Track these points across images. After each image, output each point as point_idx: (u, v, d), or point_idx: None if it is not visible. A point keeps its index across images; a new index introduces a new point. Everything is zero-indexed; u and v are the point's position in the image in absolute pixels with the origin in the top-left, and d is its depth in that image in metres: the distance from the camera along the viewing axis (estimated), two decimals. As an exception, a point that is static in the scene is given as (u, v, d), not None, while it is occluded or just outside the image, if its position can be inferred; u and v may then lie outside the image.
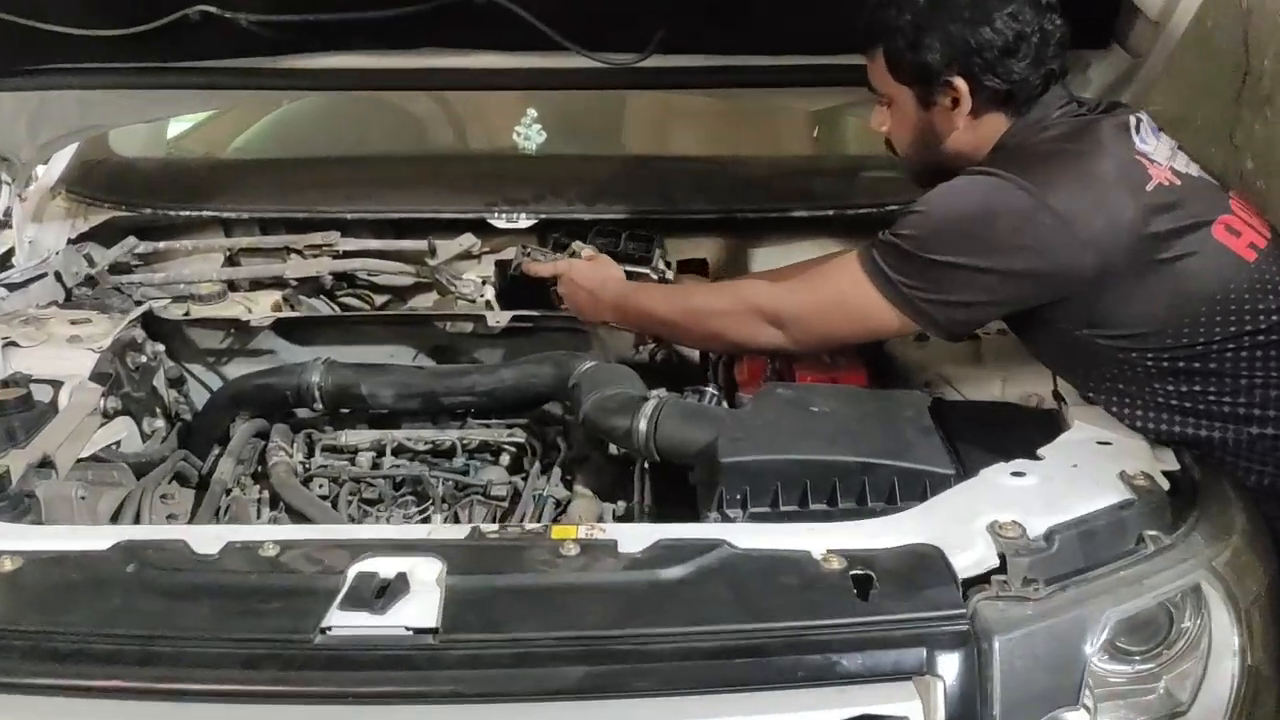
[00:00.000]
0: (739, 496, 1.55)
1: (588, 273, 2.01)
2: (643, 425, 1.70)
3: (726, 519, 1.54)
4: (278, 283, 2.41)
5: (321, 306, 2.43)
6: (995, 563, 1.31)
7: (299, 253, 2.43)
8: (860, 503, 1.54)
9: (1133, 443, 1.60)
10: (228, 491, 1.90)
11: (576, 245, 2.11)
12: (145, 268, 2.46)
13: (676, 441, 1.68)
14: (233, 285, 2.40)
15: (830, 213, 2.40)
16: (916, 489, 1.53)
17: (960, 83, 1.65)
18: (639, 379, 1.88)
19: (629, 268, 2.09)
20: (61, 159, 2.56)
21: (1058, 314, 1.61)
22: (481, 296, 2.33)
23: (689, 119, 2.87)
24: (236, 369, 2.25)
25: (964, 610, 1.26)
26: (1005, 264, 1.58)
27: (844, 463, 1.55)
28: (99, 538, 1.40)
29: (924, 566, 1.32)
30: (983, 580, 1.30)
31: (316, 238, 2.39)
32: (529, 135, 2.60)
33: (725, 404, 1.84)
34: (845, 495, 1.54)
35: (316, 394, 2.03)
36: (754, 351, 1.90)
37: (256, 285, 2.43)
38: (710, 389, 1.77)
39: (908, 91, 1.72)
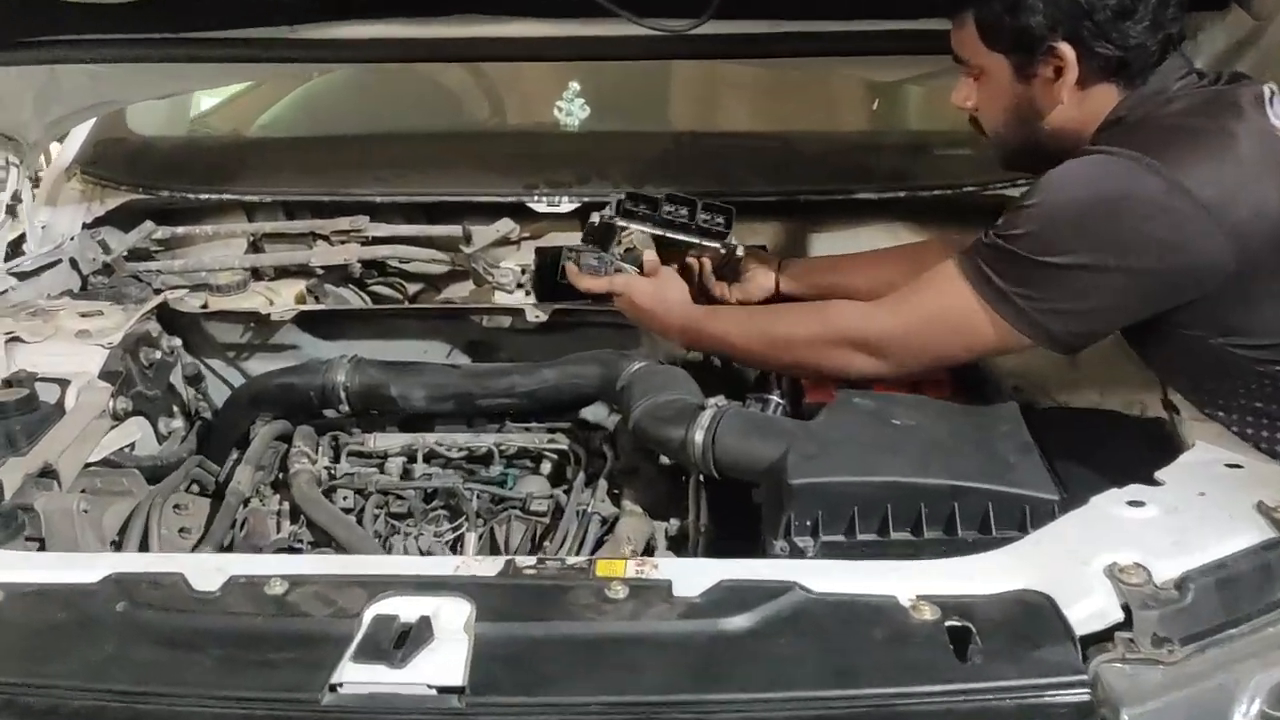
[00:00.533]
0: (810, 523, 1.36)
1: (649, 292, 1.80)
2: (699, 437, 1.52)
3: (796, 550, 1.35)
4: (303, 271, 2.24)
5: (350, 297, 2.27)
6: (1118, 616, 1.12)
7: (325, 239, 2.26)
8: (949, 532, 1.35)
9: (1267, 468, 1.39)
10: (245, 502, 1.75)
11: (636, 239, 1.88)
12: (165, 253, 2.31)
13: (739, 456, 1.50)
14: (256, 273, 2.24)
15: (901, 194, 2.19)
16: (1014, 517, 1.34)
17: (1066, 49, 1.43)
18: (694, 383, 1.70)
19: (698, 239, 1.90)
20: (76, 138, 2.40)
21: (1186, 318, 1.40)
22: (520, 287, 2.15)
23: (743, 91, 2.64)
24: (258, 365, 2.09)
25: (1084, 675, 1.06)
26: (1135, 261, 1.36)
27: (933, 486, 1.35)
28: (89, 567, 1.24)
29: (1032, 619, 1.13)
30: (1104, 638, 1.10)
31: (344, 223, 2.22)
32: (571, 110, 2.40)
33: (790, 414, 1.65)
34: (932, 523, 1.35)
35: (342, 395, 1.87)
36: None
37: (281, 273, 2.27)
38: (775, 397, 1.58)
39: (1002, 61, 1.50)
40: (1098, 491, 1.31)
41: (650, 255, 1.84)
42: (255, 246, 2.31)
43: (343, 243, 2.25)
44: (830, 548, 1.35)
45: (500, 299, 2.16)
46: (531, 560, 1.26)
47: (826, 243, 2.26)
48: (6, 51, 1.87)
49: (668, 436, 1.57)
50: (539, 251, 2.18)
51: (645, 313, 1.80)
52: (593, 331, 1.99)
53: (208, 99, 2.84)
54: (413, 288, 2.36)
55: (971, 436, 1.47)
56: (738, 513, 1.55)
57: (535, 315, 1.94)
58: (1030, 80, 1.49)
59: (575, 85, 2.45)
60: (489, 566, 1.24)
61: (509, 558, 1.29)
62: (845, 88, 2.58)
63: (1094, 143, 1.45)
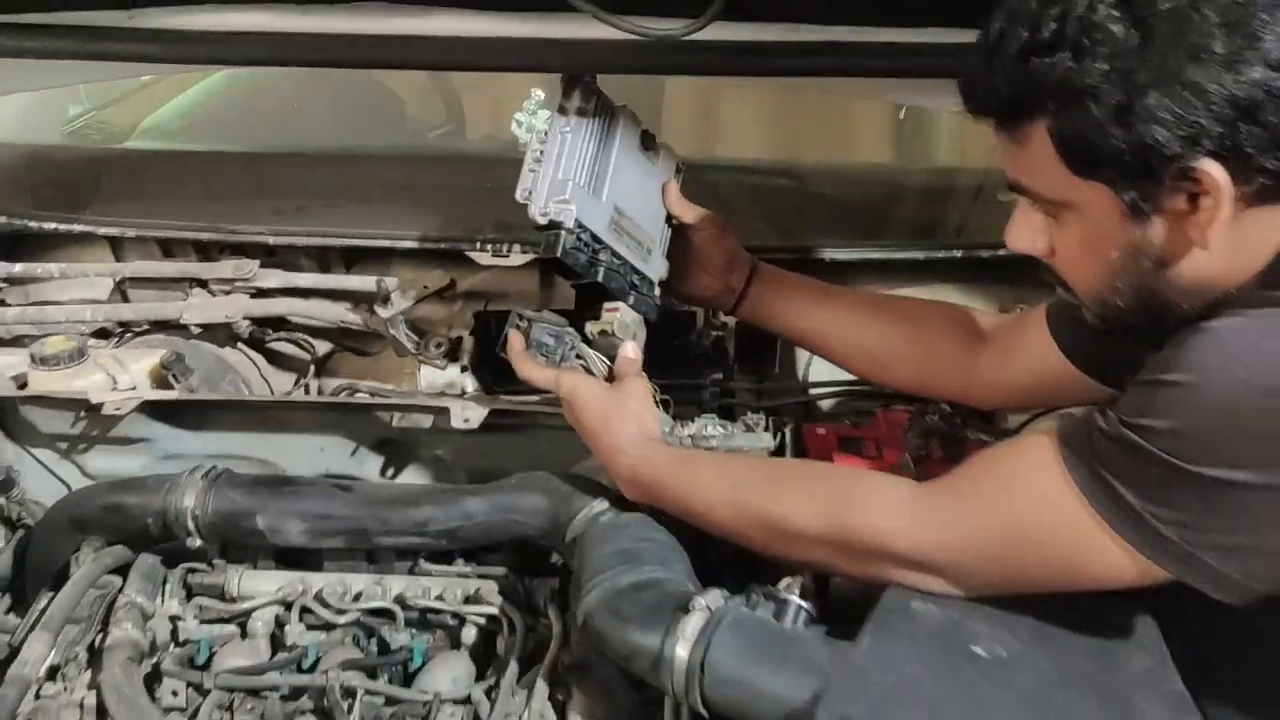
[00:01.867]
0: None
1: (597, 406, 1.26)
2: (681, 653, 1.01)
3: None
4: (178, 327, 1.73)
5: (235, 359, 1.75)
6: None
7: (205, 286, 1.74)
8: None
9: None
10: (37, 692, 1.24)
11: (621, 321, 1.33)
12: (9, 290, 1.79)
13: (740, 695, 0.99)
14: (106, 333, 1.72)
15: (957, 253, 1.68)
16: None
17: (1214, 170, 0.89)
18: (678, 548, 1.19)
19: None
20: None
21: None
22: (454, 362, 1.64)
23: (750, 115, 2.11)
24: (99, 461, 1.57)
25: None
26: None
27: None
28: None
29: None
30: None
31: (226, 268, 1.70)
32: (533, 126, 1.86)
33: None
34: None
35: (191, 525, 1.35)
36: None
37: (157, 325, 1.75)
38: (795, 597, 1.05)
39: (1102, 194, 0.95)
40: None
41: (631, 351, 1.32)
42: (123, 293, 1.80)
43: (226, 293, 1.73)
44: None
45: (427, 377, 1.64)
46: None
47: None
48: None
49: (634, 646, 1.06)
50: (480, 317, 1.68)
51: (589, 437, 1.27)
52: (543, 435, 1.48)
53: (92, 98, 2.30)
54: (324, 346, 1.84)
55: (1093, 680, 0.97)
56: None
57: (463, 420, 1.42)
58: (1149, 218, 0.95)
59: (539, 94, 1.91)
60: None
61: None
62: (878, 114, 2.06)
63: (1259, 291, 0.94)
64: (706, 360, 1.70)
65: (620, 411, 1.25)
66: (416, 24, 1.30)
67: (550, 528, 1.31)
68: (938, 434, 1.41)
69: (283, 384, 1.83)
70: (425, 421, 1.48)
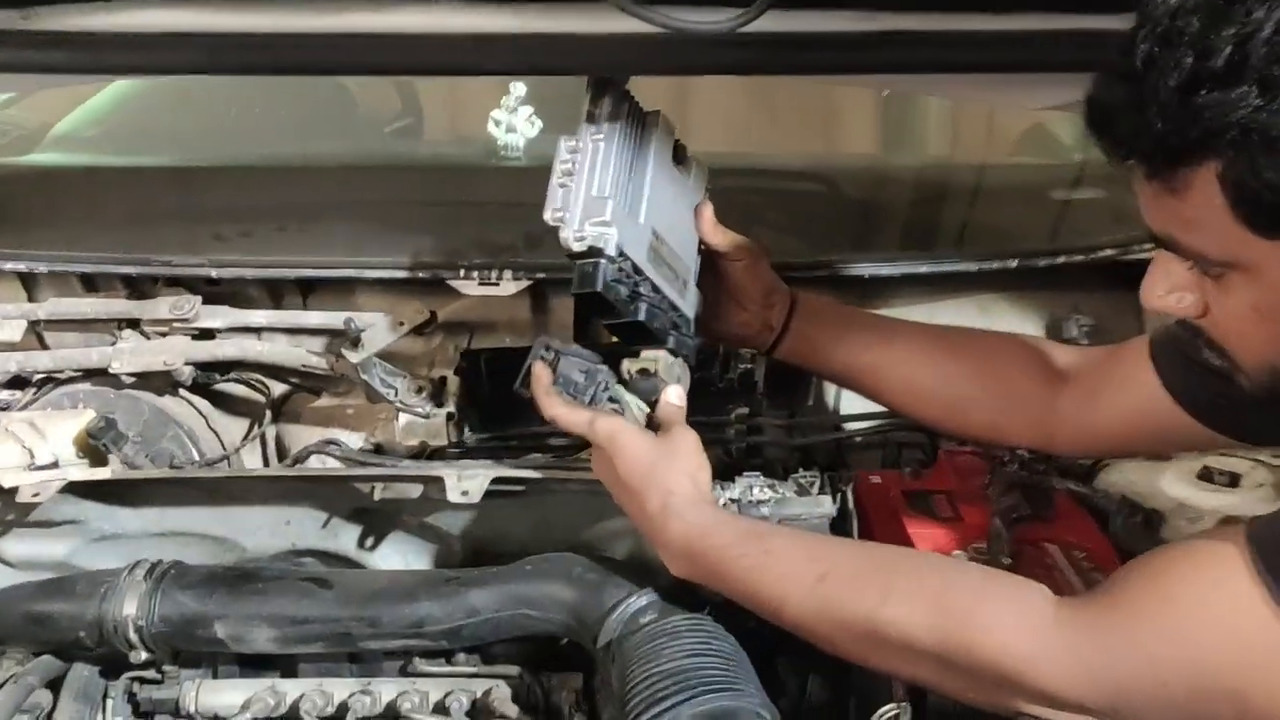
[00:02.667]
0: None
1: (648, 455, 1.03)
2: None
3: None
4: (106, 375, 1.47)
5: (175, 408, 1.49)
6: None
7: (137, 327, 1.48)
8: None
9: None
10: None
11: (656, 360, 1.11)
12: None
13: None
14: (22, 382, 1.47)
15: (1011, 263, 1.47)
16: None
17: None
18: (743, 657, 0.98)
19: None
20: None
21: None
22: (439, 408, 1.40)
23: (779, 109, 1.85)
24: (18, 547, 1.31)
25: None
26: None
27: None
28: None
29: None
30: None
31: (163, 306, 1.44)
32: (513, 126, 1.62)
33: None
34: None
35: (135, 637, 1.11)
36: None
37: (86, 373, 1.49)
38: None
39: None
40: None
41: (676, 397, 1.10)
42: (39, 336, 1.53)
43: (162, 334, 1.47)
44: None
45: (404, 428, 1.41)
46: None
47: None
48: None
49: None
50: (466, 356, 1.44)
51: (629, 495, 1.04)
52: (556, 500, 1.25)
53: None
54: (280, 388, 1.58)
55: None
56: None
57: (460, 493, 1.18)
58: None
59: (519, 88, 1.66)
60: None
61: None
62: (921, 106, 1.83)
63: None
64: (731, 394, 1.48)
65: (671, 466, 1.03)
66: (401, 20, 1.04)
67: (575, 625, 1.09)
68: (1020, 486, 1.21)
69: (235, 432, 1.58)
70: (413, 492, 1.24)
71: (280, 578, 1.16)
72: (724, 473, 1.28)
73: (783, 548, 0.97)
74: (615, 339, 1.14)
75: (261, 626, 1.11)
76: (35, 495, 1.18)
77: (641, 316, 1.07)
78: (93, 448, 1.28)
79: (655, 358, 1.11)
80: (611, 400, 1.11)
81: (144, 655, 1.13)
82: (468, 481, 1.18)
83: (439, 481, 1.21)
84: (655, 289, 1.11)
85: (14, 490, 1.19)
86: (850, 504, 1.17)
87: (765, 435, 1.46)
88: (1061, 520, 1.18)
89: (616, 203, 1.06)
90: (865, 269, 1.45)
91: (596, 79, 1.16)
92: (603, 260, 1.03)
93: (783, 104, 1.87)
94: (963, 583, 0.89)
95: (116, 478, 1.23)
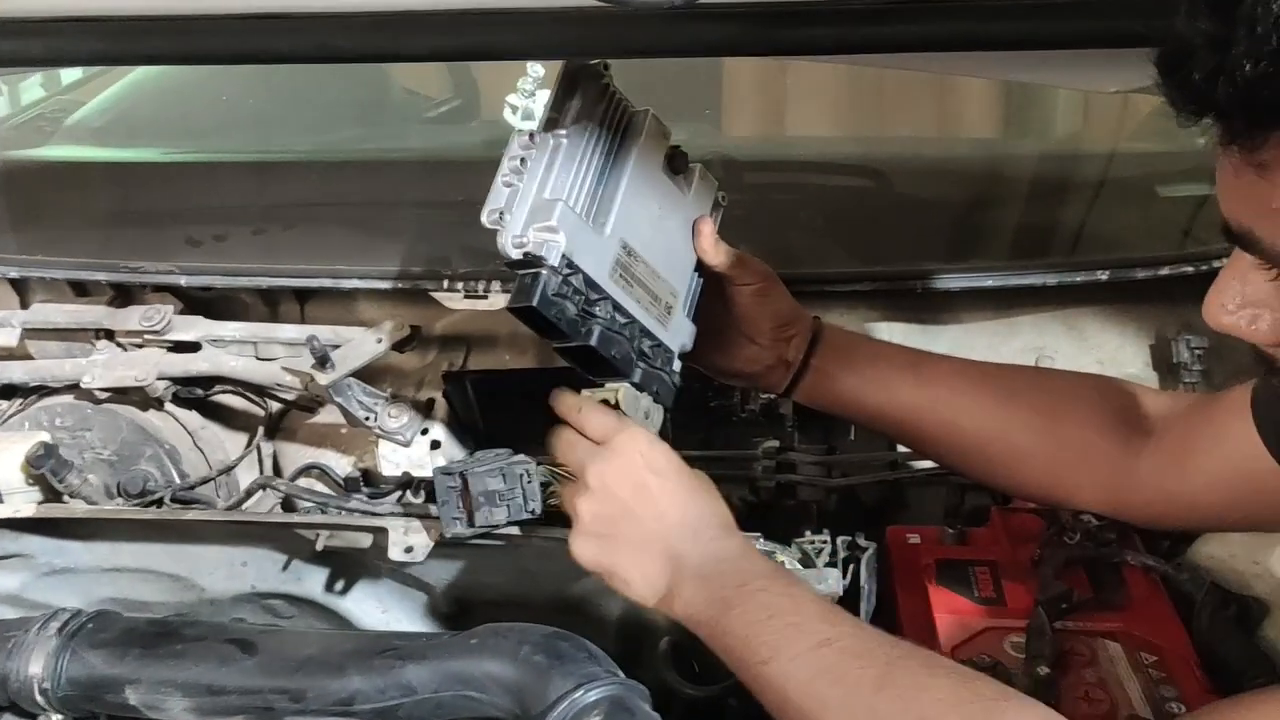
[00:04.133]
0: None
1: (687, 476, 0.90)
2: None
3: None
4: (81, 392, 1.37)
5: (158, 424, 1.38)
6: None
7: (113, 338, 1.37)
8: None
9: None
10: None
11: (617, 390, 0.95)
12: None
13: None
14: (12, 390, 1.38)
15: (1076, 278, 1.23)
16: None
17: None
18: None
19: None
20: None
21: None
22: (423, 434, 1.25)
23: (812, 91, 1.61)
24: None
25: None
26: None
27: None
28: None
29: None
30: None
31: (134, 317, 1.32)
32: (530, 113, 1.44)
33: None
34: None
35: (41, 699, 0.99)
36: None
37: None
38: None
39: None
40: None
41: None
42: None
43: (138, 347, 1.36)
44: None
45: (385, 455, 1.26)
46: None
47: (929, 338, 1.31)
48: None
49: None
50: (451, 378, 1.28)
51: (653, 510, 0.88)
52: (539, 548, 1.09)
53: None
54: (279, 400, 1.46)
55: None
56: None
57: (404, 550, 1.02)
58: None
59: (537, 69, 1.48)
60: None
61: None
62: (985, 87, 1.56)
63: None
64: (755, 425, 1.28)
65: (713, 491, 0.90)
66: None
67: (519, 713, 0.92)
68: (1083, 562, 0.98)
69: (232, 447, 1.46)
70: (363, 541, 1.08)
71: (202, 638, 1.02)
72: (747, 519, 1.11)
73: (802, 596, 0.82)
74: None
75: (176, 695, 0.98)
76: (-43, 536, 1.07)
77: (593, 341, 0.90)
78: (30, 475, 1.17)
79: (615, 388, 0.94)
80: (544, 486, 0.98)
81: (55, 718, 1.01)
82: (413, 536, 1.02)
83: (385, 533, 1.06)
84: (620, 311, 0.93)
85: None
86: (863, 579, 0.96)
87: (799, 473, 1.27)
88: (1132, 608, 0.95)
89: (569, 207, 0.89)
90: (929, 280, 1.22)
91: (567, 66, 0.98)
92: (544, 271, 0.87)
93: (890, 80, 1.64)
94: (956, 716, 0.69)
95: (41, 516, 1.11)
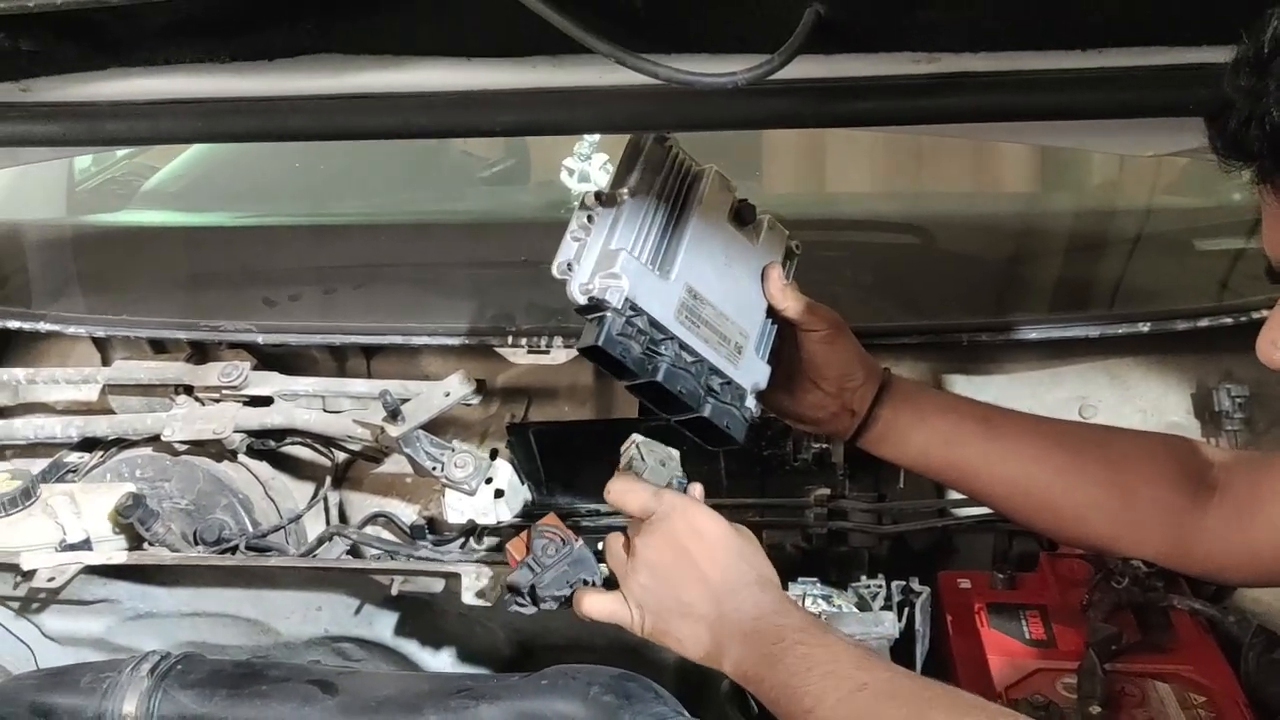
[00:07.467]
0: None
1: (734, 540, 0.94)
2: None
3: None
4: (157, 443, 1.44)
5: (232, 475, 1.45)
6: None
7: (191, 393, 1.44)
8: None
9: None
10: None
11: (632, 447, 1.02)
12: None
13: None
14: (94, 443, 1.45)
15: (1144, 328, 1.27)
16: None
17: None
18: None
19: None
20: None
21: None
22: (487, 483, 1.30)
23: (861, 147, 1.68)
24: (57, 622, 1.28)
25: None
26: None
27: None
28: None
29: None
30: None
31: (212, 373, 1.40)
32: (586, 175, 1.53)
33: None
34: None
35: (133, 737, 1.05)
36: None
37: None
38: None
39: None
40: None
41: (698, 491, 1.00)
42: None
43: (215, 401, 1.43)
44: None
45: (451, 504, 1.31)
46: None
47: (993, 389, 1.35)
48: None
49: None
50: (515, 430, 1.34)
51: (693, 572, 0.92)
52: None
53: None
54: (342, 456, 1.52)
55: None
56: None
57: (475, 594, 1.07)
58: None
59: (593, 134, 1.57)
60: None
61: None
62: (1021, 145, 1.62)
63: None
64: (807, 473, 1.33)
65: (757, 549, 0.94)
66: (394, 79, 0.95)
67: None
68: (1131, 606, 1.01)
69: (300, 496, 1.53)
70: (435, 586, 1.14)
71: (285, 679, 1.07)
72: (801, 565, 1.15)
73: (836, 645, 0.87)
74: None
75: (265, 734, 1.04)
76: (51, 580, 1.13)
77: (659, 377, 0.95)
78: (117, 524, 1.24)
79: (632, 439, 1.01)
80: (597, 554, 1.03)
81: (147, 758, 1.07)
82: (484, 581, 1.07)
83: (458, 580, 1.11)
84: (687, 350, 0.98)
85: (32, 573, 1.15)
86: (918, 623, 1.00)
87: (850, 520, 1.31)
88: (1180, 650, 0.98)
89: (632, 256, 0.95)
90: (965, 336, 1.27)
91: (633, 135, 1.04)
92: (609, 314, 0.93)
93: (928, 139, 1.70)
94: None
95: (132, 563, 1.17)
